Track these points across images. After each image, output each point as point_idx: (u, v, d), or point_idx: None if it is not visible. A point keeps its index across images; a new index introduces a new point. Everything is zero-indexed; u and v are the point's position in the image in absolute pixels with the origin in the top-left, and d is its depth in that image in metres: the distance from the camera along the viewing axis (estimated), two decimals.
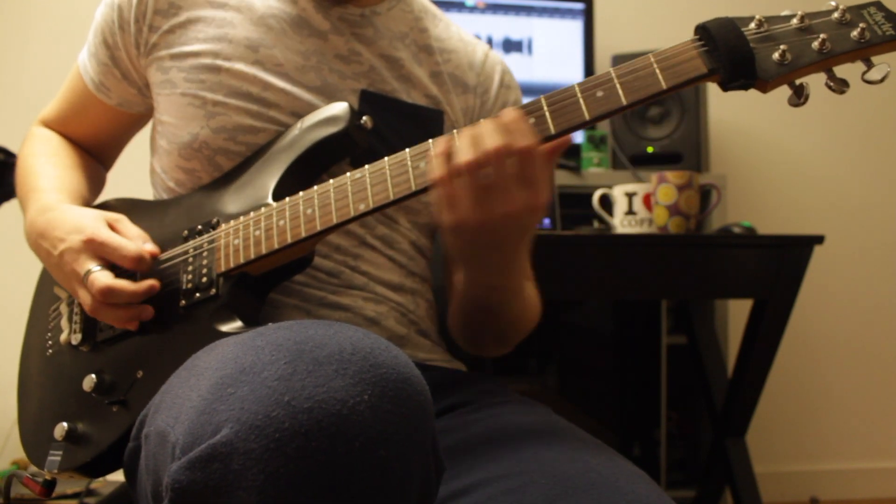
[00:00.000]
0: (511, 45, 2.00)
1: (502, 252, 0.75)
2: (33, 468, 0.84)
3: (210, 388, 0.52)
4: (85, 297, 0.79)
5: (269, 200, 0.80)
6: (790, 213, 2.27)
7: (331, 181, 0.76)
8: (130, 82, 0.94)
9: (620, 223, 1.50)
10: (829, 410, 2.28)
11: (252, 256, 0.77)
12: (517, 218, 0.69)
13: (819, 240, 1.42)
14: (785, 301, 1.45)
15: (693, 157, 1.92)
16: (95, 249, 0.80)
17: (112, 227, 0.83)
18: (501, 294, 0.82)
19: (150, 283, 0.79)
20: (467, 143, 0.69)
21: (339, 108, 0.83)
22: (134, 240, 0.82)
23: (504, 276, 0.79)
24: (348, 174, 0.75)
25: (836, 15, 0.66)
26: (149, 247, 0.81)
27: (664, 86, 0.67)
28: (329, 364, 0.51)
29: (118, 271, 0.80)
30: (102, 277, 0.77)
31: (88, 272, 0.78)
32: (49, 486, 0.82)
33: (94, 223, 0.82)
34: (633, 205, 1.48)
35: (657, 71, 0.67)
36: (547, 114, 0.69)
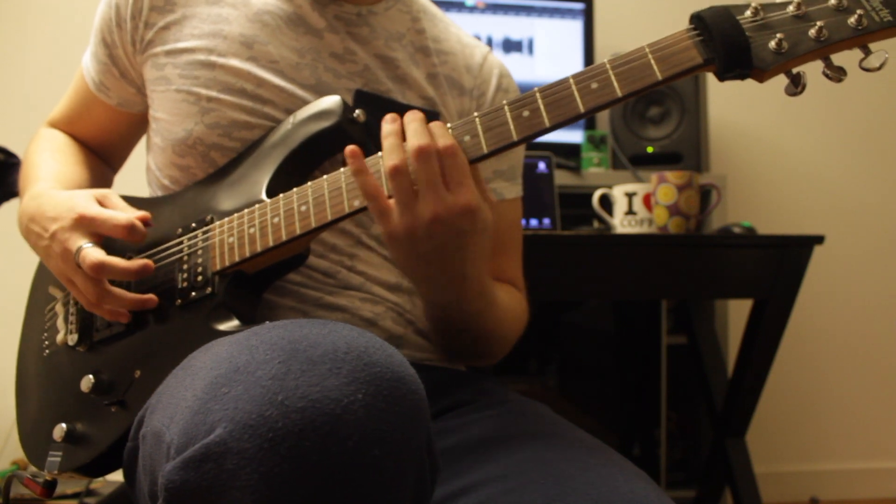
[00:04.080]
0: (511, 45, 2.00)
1: (443, 262, 0.72)
2: (33, 468, 0.84)
3: (204, 388, 0.52)
4: (83, 284, 0.79)
5: (263, 197, 0.80)
6: (790, 213, 2.27)
7: (324, 177, 0.75)
8: (129, 81, 0.94)
9: (620, 223, 1.50)
10: (829, 410, 2.27)
11: (247, 254, 0.77)
12: (448, 222, 0.69)
13: (819, 240, 1.42)
14: (785, 301, 1.45)
15: (693, 157, 1.92)
16: (87, 225, 0.79)
17: (101, 203, 0.83)
18: (461, 315, 0.79)
19: (144, 261, 0.79)
20: (391, 143, 0.70)
21: (332, 101, 0.82)
22: (125, 210, 0.81)
23: (457, 293, 0.76)
24: (342, 170, 0.75)
25: (832, 1, 0.65)
26: (140, 213, 0.81)
27: (659, 76, 0.66)
28: (323, 363, 0.51)
29: (111, 252, 0.80)
30: (94, 253, 0.77)
31: (80, 248, 0.78)
32: (49, 486, 0.82)
33: (84, 200, 0.81)
34: (633, 205, 1.48)
35: (652, 61, 0.66)
36: (541, 107, 0.69)
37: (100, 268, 0.76)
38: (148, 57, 0.90)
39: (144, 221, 0.81)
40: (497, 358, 0.91)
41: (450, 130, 0.71)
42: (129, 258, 0.83)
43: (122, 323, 0.82)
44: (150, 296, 0.80)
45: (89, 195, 0.83)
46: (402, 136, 0.72)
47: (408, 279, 0.78)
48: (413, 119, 0.71)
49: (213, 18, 0.88)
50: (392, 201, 0.70)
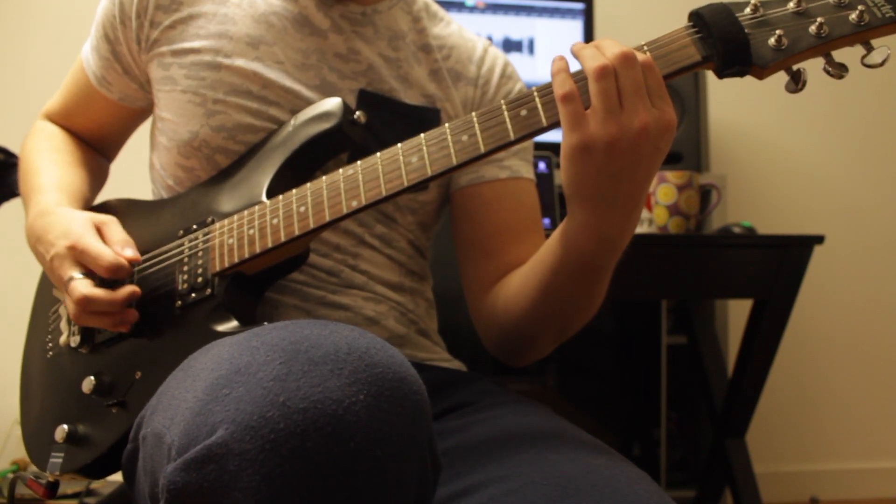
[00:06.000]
0: (511, 45, 2.00)
1: (632, 183, 0.67)
2: (34, 468, 0.84)
3: (205, 389, 0.52)
4: (69, 304, 0.79)
5: (263, 198, 0.80)
6: (790, 213, 2.27)
7: (323, 178, 0.76)
8: (132, 77, 0.94)
9: None
10: (829, 410, 2.27)
11: (246, 255, 0.77)
12: (651, 135, 0.65)
13: (819, 240, 1.41)
14: (785, 301, 1.45)
15: (693, 157, 1.92)
16: (76, 256, 0.79)
17: (99, 231, 0.82)
18: (610, 255, 0.74)
19: (130, 290, 0.78)
20: (592, 52, 0.66)
21: (332, 103, 0.82)
22: (116, 246, 0.81)
23: (623, 223, 0.71)
24: (340, 171, 0.75)
25: None
26: (129, 253, 0.80)
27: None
28: (324, 364, 0.51)
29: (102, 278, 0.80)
30: (81, 286, 0.77)
31: (70, 279, 0.78)
32: (52, 487, 0.83)
33: (80, 229, 0.81)
34: None
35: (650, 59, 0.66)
36: (539, 106, 0.69)
37: (85, 302, 0.76)
38: (153, 56, 0.90)
39: (132, 262, 0.80)
40: (567, 336, 0.86)
41: (447, 129, 0.71)
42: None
43: None
44: (131, 310, 0.79)
45: (88, 222, 0.82)
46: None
47: (578, 203, 0.71)
48: (603, 39, 0.68)
49: (219, 18, 0.88)
50: (589, 110, 0.65)
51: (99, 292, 0.77)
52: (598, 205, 0.70)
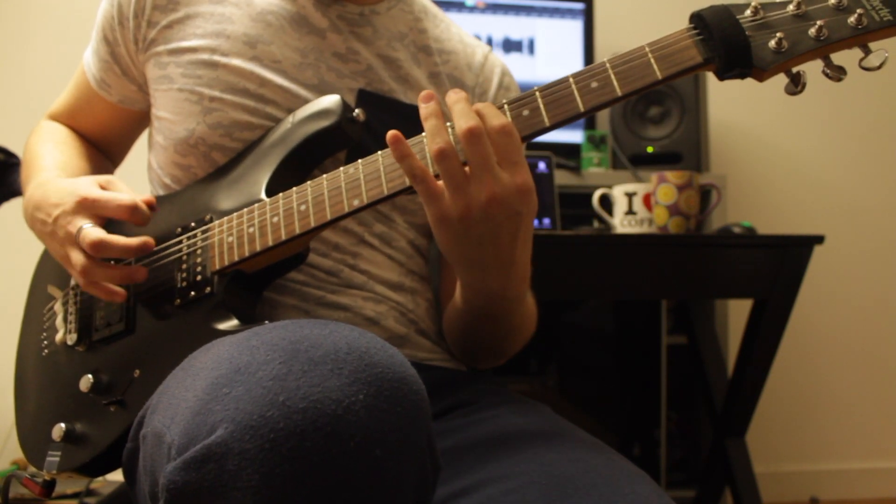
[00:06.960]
0: (511, 45, 2.00)
1: (497, 246, 0.70)
2: (33, 468, 0.84)
3: (205, 389, 0.52)
4: (77, 259, 0.79)
5: (262, 196, 0.80)
6: (790, 213, 2.27)
7: (324, 176, 0.75)
8: (130, 79, 0.94)
9: (620, 223, 1.50)
10: (829, 410, 2.27)
11: (246, 254, 0.77)
12: (505, 202, 0.67)
13: (819, 240, 1.41)
14: (785, 301, 1.45)
15: (693, 157, 1.92)
16: (89, 207, 0.79)
17: (104, 188, 0.83)
18: (502, 303, 0.77)
19: (144, 239, 0.78)
20: (431, 130, 0.68)
21: (331, 101, 0.82)
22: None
23: (504, 279, 0.74)
24: (341, 169, 0.75)
25: (833, 1, 0.65)
26: (145, 196, 0.81)
27: (659, 76, 0.66)
28: (324, 364, 0.50)
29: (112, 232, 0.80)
30: (94, 231, 0.77)
31: (81, 229, 0.78)
32: (49, 486, 0.82)
33: (87, 185, 0.82)
34: (633, 205, 1.48)
35: (652, 61, 0.66)
36: (541, 106, 0.68)
37: (99, 245, 0.76)
38: (150, 56, 0.90)
39: (149, 205, 0.81)
40: (509, 356, 0.90)
41: (449, 129, 0.71)
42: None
43: (121, 322, 0.82)
44: (139, 266, 0.80)
45: (93, 180, 0.83)
46: (441, 115, 0.69)
47: (455, 266, 0.75)
48: (458, 100, 0.69)
49: (216, 18, 0.88)
50: (441, 183, 0.68)
51: (114, 236, 0.77)
52: (470, 267, 0.74)
